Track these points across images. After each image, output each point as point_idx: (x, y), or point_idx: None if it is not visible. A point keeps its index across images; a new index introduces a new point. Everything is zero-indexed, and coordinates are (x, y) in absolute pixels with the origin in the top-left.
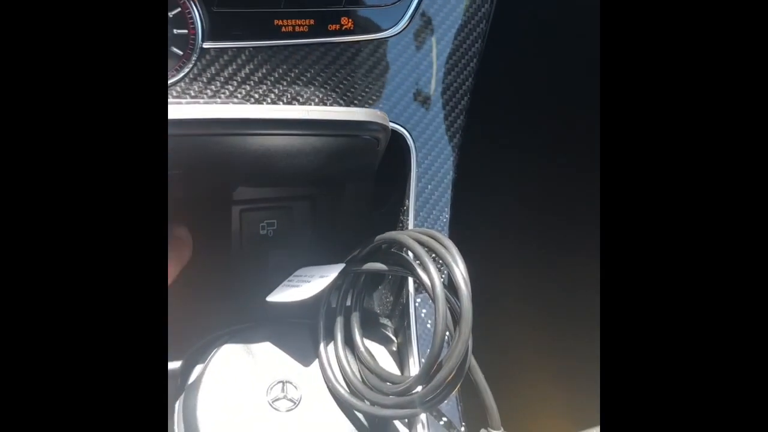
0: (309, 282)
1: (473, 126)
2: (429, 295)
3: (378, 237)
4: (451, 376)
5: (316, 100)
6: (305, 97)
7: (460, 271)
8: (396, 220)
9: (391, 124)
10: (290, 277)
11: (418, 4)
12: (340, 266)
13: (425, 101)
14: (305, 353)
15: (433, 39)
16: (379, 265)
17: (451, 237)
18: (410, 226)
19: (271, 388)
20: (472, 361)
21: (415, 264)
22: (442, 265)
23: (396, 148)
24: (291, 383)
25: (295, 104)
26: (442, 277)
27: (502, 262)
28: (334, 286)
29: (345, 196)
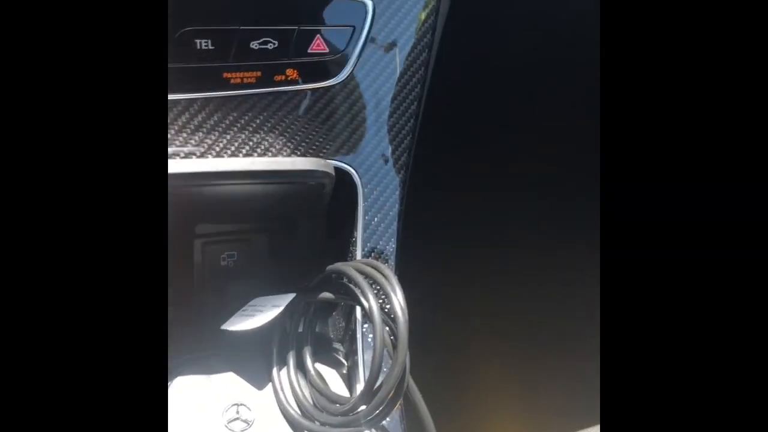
0: (262, 311)
1: (417, 161)
2: (370, 321)
3: (328, 267)
4: (390, 396)
5: (266, 145)
6: (254, 142)
7: (397, 299)
8: (346, 251)
9: (338, 163)
10: (245, 307)
11: (360, 54)
12: (291, 296)
13: (370, 141)
14: (259, 377)
15: (376, 85)
16: (327, 295)
17: (398, 266)
18: (358, 257)
19: (226, 411)
20: (410, 381)
21: (358, 292)
22: (382, 293)
23: (344, 184)
24: (245, 405)
25: (245, 150)
26: (384, 306)
27: (450, 287)
28: (286, 314)
29: (299, 230)
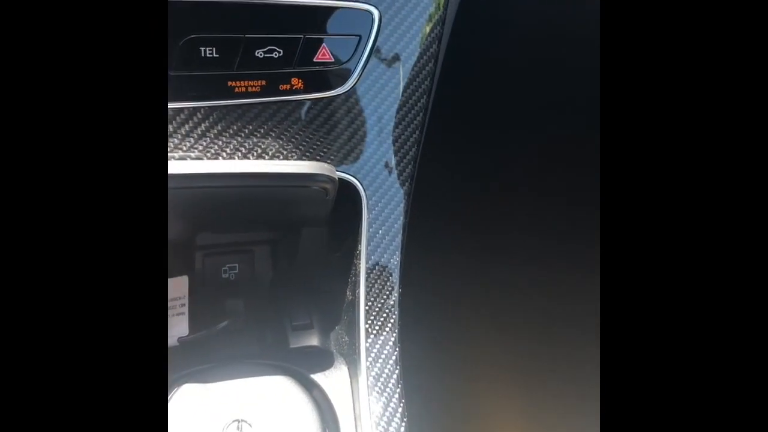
0: None
1: (422, 173)
2: None
3: None
4: None
5: (270, 153)
6: (259, 151)
7: None
8: (350, 264)
9: (343, 174)
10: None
11: (365, 64)
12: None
13: (375, 152)
14: (261, 393)
15: (381, 95)
16: None
17: (402, 279)
18: (362, 270)
19: (227, 427)
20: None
21: None
22: None
23: (348, 196)
24: (246, 422)
25: (250, 158)
26: None
27: (455, 300)
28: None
29: (301, 240)
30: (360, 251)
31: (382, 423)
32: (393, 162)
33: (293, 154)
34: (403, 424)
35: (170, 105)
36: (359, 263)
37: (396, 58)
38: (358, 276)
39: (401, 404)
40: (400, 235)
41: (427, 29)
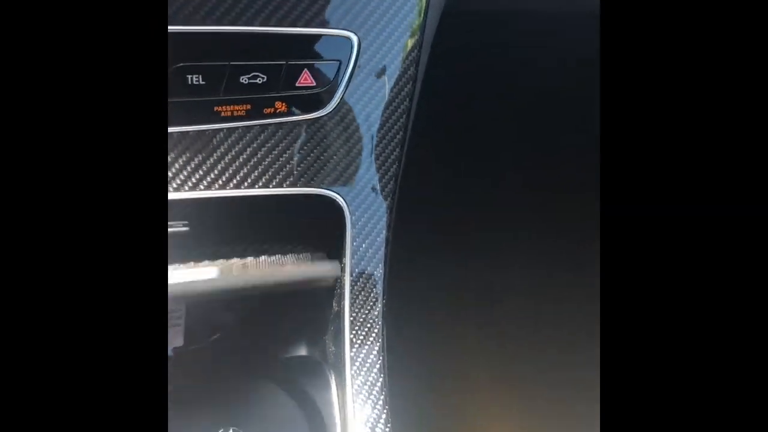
0: None
1: (404, 189)
2: None
3: None
4: None
5: (256, 175)
6: (245, 172)
7: None
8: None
9: (327, 192)
10: None
11: (346, 87)
12: None
13: (357, 170)
14: (252, 401)
15: (362, 116)
16: None
17: (385, 290)
18: (347, 282)
19: None
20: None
21: None
22: None
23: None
24: (237, 430)
25: (236, 180)
26: None
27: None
28: None
29: None
30: (345, 264)
31: (367, 427)
32: (375, 179)
33: (278, 175)
34: (387, 428)
35: None
36: (344, 276)
37: (376, 79)
38: (343, 288)
39: (385, 410)
40: (383, 248)
41: (407, 50)
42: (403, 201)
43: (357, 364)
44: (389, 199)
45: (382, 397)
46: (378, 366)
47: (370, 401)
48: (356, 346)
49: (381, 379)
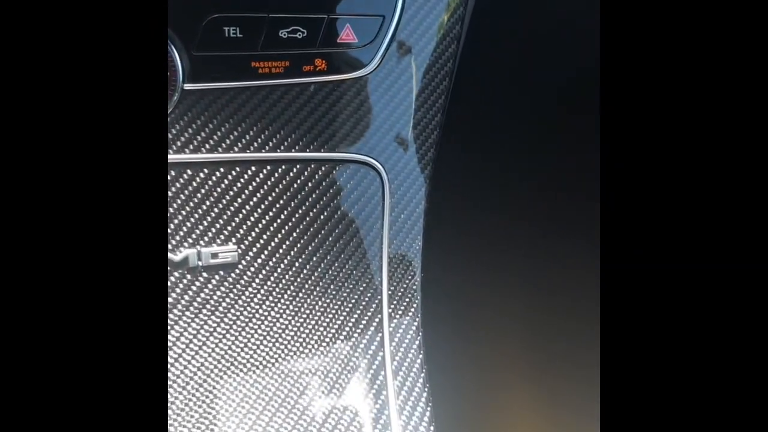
0: None
1: (444, 157)
2: None
3: None
4: None
5: (293, 138)
6: (282, 135)
7: None
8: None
9: (364, 157)
10: None
11: (389, 45)
12: None
13: (397, 136)
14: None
15: (404, 77)
16: None
17: (423, 264)
18: (384, 255)
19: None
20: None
21: None
22: None
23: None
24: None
25: (272, 142)
26: None
27: (475, 286)
28: None
29: None
30: (383, 235)
31: (407, 408)
32: (414, 146)
33: (316, 139)
34: (428, 409)
35: (193, 86)
36: (382, 247)
37: (419, 37)
38: (381, 260)
39: (426, 388)
40: (421, 220)
41: (452, 8)
42: (443, 171)
43: (396, 339)
44: (429, 168)
45: (422, 374)
46: (417, 342)
47: (410, 379)
48: (395, 320)
49: (421, 356)
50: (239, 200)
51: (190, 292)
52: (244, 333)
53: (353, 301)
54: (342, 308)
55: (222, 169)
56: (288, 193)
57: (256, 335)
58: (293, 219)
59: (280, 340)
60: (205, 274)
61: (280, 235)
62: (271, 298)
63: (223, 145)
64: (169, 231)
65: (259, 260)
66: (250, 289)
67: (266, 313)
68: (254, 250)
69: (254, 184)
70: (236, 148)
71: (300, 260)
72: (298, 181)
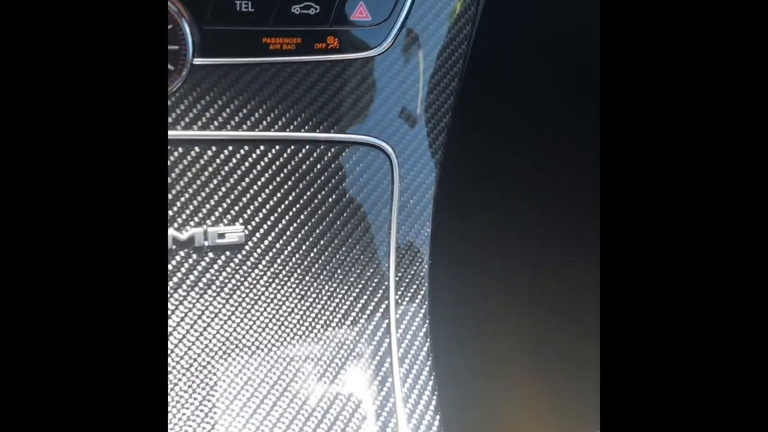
0: None
1: (455, 142)
2: None
3: None
4: None
5: (303, 118)
6: (291, 114)
7: None
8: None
9: (374, 140)
10: None
11: (403, 24)
12: None
13: (408, 118)
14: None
15: (417, 58)
16: None
17: (431, 250)
18: (393, 240)
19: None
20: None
21: None
22: None
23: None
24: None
25: (282, 121)
26: None
27: (483, 275)
28: None
29: None
30: (391, 220)
31: (413, 396)
32: (426, 129)
33: (327, 119)
34: (434, 397)
35: (203, 61)
36: (390, 232)
37: (434, 17)
38: (389, 246)
39: (432, 377)
40: (430, 206)
41: None
42: (453, 157)
43: (402, 327)
44: (439, 152)
45: (428, 363)
46: (424, 330)
47: (416, 367)
48: (402, 306)
49: (427, 344)
50: (247, 180)
51: (196, 272)
52: (249, 315)
53: (360, 286)
54: (348, 293)
55: (230, 148)
56: (297, 175)
57: (261, 318)
58: (301, 201)
59: (286, 323)
60: (211, 254)
61: (287, 217)
62: (277, 280)
63: (232, 122)
64: (175, 210)
65: (266, 242)
66: (256, 270)
67: (272, 296)
68: (261, 231)
69: (262, 164)
70: (245, 126)
71: (307, 243)
72: (307, 163)
